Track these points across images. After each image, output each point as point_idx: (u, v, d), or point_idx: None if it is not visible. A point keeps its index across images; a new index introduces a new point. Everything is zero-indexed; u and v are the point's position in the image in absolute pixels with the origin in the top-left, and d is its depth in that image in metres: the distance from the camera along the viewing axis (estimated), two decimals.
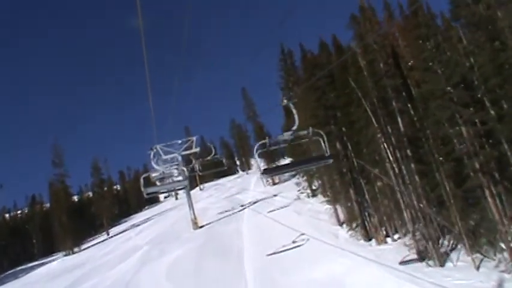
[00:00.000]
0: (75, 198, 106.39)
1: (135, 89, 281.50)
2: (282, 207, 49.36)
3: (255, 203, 58.74)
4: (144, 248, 50.27)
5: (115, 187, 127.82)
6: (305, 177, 54.91)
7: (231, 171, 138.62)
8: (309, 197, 52.81)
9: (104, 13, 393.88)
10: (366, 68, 30.32)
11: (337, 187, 38.78)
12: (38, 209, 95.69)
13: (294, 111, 15.89)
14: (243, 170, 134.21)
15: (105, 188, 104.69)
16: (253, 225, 45.23)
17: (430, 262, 27.26)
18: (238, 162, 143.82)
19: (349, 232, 36.43)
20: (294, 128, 15.04)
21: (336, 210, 40.30)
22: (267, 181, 75.25)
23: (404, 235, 31.46)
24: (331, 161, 14.71)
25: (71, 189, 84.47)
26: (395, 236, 32.85)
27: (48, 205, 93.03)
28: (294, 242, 35.64)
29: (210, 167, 55.85)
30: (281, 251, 34.09)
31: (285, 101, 15.87)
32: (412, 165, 28.32)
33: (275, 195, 59.98)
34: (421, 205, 27.64)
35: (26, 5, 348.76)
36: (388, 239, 32.98)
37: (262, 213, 48.54)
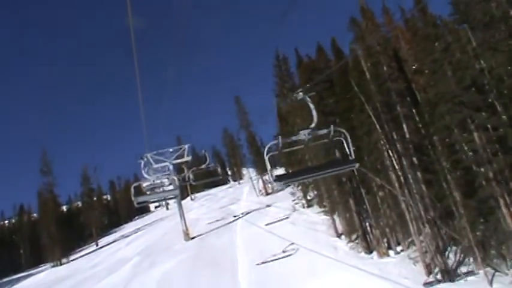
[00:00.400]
0: (64, 208, 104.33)
1: (127, 98, 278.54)
2: (281, 219, 46.63)
3: (248, 213, 56.80)
4: (134, 259, 48.28)
5: (105, 197, 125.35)
6: (300, 187, 53.04)
7: (223, 181, 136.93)
8: (304, 207, 50.93)
9: (96, 22, 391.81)
10: (369, 70, 28.59)
11: (335, 197, 36.97)
12: (26, 219, 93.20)
13: (312, 106, 13.60)
14: (235, 180, 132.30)
15: (95, 198, 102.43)
16: (247, 237, 43.30)
17: (438, 276, 25.52)
18: (229, 172, 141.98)
19: (349, 244, 34.57)
20: (313, 125, 13.06)
21: (333, 221, 38.51)
22: (260, 191, 73.45)
23: (408, 247, 29.64)
24: (357, 165, 12.53)
25: (60, 198, 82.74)
26: (398, 249, 31.03)
27: (36, 215, 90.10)
28: (284, 251, 34.73)
29: (203, 177, 54.01)
30: (271, 260, 33.32)
31: (301, 94, 13.64)
32: (418, 174, 26.58)
33: (268, 206, 58.08)
34: (429, 216, 25.87)
35: (10, 8, 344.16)
36: (391, 252, 31.10)
37: (256, 224, 46.70)
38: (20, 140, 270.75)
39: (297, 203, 52.07)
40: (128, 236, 77.95)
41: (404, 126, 27.05)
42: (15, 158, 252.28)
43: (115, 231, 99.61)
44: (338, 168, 12.81)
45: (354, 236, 34.51)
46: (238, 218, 54.68)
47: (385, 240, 31.79)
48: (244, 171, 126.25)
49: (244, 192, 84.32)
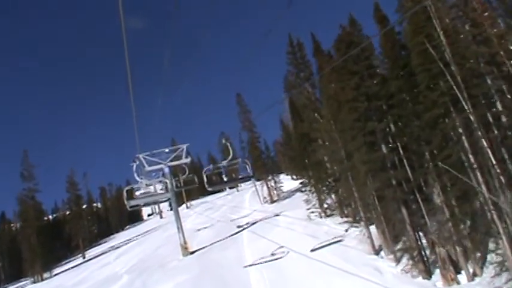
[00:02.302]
0: (50, 217, 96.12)
1: (119, 102, 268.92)
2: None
3: (253, 223, 48.71)
4: (123, 278, 40.28)
5: (95, 204, 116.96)
6: (315, 193, 44.96)
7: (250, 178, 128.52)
8: (322, 217, 42.88)
9: (86, 24, 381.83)
10: (444, 29, 20.47)
11: (374, 204, 28.96)
12: (6, 229, 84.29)
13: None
14: (232, 187, 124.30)
15: (84, 206, 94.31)
16: (257, 252, 35.27)
17: None
18: (225, 179, 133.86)
19: (398, 266, 26.49)
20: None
21: (370, 234, 30.47)
22: (264, 198, 65.40)
23: (498, 274, 21.42)
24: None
25: (46, 207, 74.21)
26: (474, 272, 22.95)
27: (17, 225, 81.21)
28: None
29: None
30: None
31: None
32: None
33: (277, 215, 50.04)
34: None
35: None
36: (461, 277, 23.02)
37: (266, 237, 38.70)
38: (5, 144, 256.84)
39: (312, 212, 43.91)
40: (118, 248, 69.86)
41: (498, 105, 19.00)
42: None
43: (105, 241, 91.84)
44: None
45: (402, 255, 26.50)
46: (243, 229, 46.67)
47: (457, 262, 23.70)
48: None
49: (245, 199, 76.42)
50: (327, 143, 39.87)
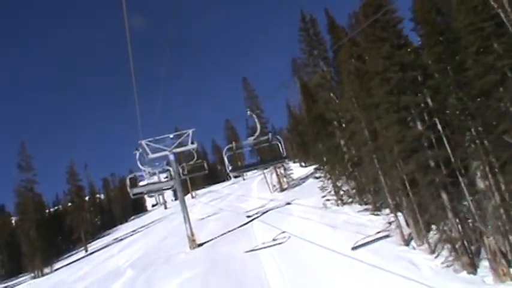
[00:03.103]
0: (52, 209, 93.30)
1: (122, 91, 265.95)
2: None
3: (264, 213, 45.69)
4: (126, 273, 37.47)
5: (98, 196, 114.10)
6: (330, 180, 41.71)
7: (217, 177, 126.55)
8: (339, 205, 39.73)
9: (83, 5, 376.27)
10: None
11: (403, 190, 25.73)
12: (6, 222, 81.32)
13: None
14: (236, 176, 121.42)
15: (87, 197, 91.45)
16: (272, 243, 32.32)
17: None
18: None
19: (435, 258, 23.33)
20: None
21: (399, 223, 27.29)
22: (274, 186, 62.25)
23: None
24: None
25: (46, 199, 71.22)
26: None
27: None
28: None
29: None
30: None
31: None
32: None
33: (289, 204, 46.95)
34: None
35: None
36: None
37: (279, 227, 35.64)
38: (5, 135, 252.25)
39: (328, 200, 40.74)
40: (121, 240, 67.10)
41: None
42: None
43: (108, 234, 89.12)
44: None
45: (435, 245, 23.40)
46: (253, 219, 43.66)
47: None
48: None
49: (253, 188, 73.40)
50: (343, 125, 36.75)
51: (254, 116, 28.66)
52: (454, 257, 21.32)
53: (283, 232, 31.03)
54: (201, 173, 45.57)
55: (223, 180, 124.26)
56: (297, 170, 71.02)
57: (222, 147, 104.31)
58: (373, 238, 27.83)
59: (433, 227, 25.57)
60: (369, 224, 31.82)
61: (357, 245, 26.43)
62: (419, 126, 21.77)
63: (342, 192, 40.09)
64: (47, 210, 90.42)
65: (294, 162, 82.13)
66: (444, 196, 21.21)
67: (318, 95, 39.27)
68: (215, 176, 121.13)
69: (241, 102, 66.38)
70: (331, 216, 36.38)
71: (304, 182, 61.40)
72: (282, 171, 61.32)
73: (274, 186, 62.24)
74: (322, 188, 42.26)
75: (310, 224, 35.06)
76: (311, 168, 69.75)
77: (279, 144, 24.51)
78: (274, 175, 62.60)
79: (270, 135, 25.97)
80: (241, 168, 34.87)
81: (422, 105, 22.04)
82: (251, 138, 27.12)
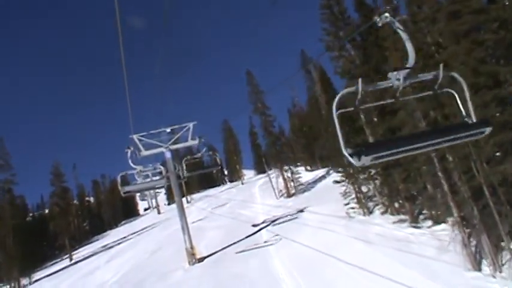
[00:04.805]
0: (35, 214, 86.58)
1: (114, 91, 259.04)
2: None
3: (273, 222, 39.42)
4: None
5: (87, 199, 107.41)
6: (354, 185, 35.40)
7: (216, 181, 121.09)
8: (365, 214, 33.49)
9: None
10: None
11: (481, 198, 19.40)
12: None
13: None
14: (232, 181, 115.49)
15: (75, 201, 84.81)
16: (290, 261, 25.98)
17: None
18: (226, 172, 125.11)
19: None
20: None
21: (468, 241, 20.91)
22: (280, 191, 55.94)
23: None
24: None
25: (29, 202, 64.22)
26: None
27: None
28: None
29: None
30: None
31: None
32: None
33: (301, 211, 40.73)
34: None
35: None
36: None
37: (296, 240, 29.42)
38: None
39: (352, 208, 34.49)
40: (110, 248, 60.41)
41: None
42: None
43: (97, 239, 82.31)
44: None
45: None
46: (260, 229, 37.47)
47: None
48: (245, 171, 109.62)
49: (255, 192, 66.99)
50: (375, 119, 30.47)
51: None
52: None
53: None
54: (213, 168, 40.43)
55: (219, 185, 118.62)
56: (303, 174, 64.90)
57: (218, 149, 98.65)
58: (423, 257, 21.65)
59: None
60: (412, 238, 25.58)
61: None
62: None
63: (363, 199, 33.95)
64: (31, 214, 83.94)
65: (297, 166, 75.86)
66: None
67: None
68: (210, 180, 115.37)
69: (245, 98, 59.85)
70: (360, 228, 30.14)
71: (313, 187, 55.24)
72: (289, 175, 54.97)
73: (281, 191, 55.89)
74: (345, 194, 35.96)
75: (334, 236, 28.83)
76: (319, 172, 63.77)
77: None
78: (280, 179, 56.24)
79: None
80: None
81: None
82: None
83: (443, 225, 25.92)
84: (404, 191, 29.12)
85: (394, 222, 29.54)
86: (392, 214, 31.18)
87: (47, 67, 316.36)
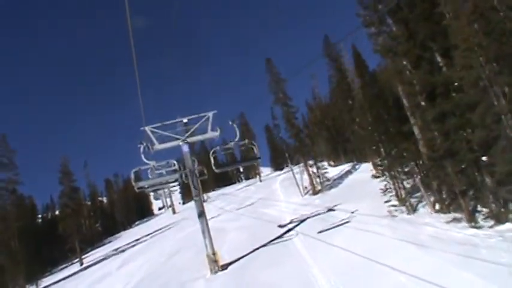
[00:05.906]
0: (44, 215, 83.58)
1: (129, 90, 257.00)
2: None
3: (302, 222, 35.52)
4: None
5: (100, 198, 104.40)
6: (394, 179, 31.36)
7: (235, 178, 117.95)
8: (409, 213, 29.38)
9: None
10: None
11: None
12: None
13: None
14: (248, 178, 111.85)
15: (88, 201, 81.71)
16: (335, 271, 21.77)
17: None
18: (241, 169, 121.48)
19: None
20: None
21: None
22: (305, 188, 51.95)
23: None
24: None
25: (37, 202, 60.92)
26: None
27: None
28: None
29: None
30: None
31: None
32: None
33: (331, 210, 36.78)
34: None
35: None
36: None
37: (334, 243, 25.36)
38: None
39: (393, 206, 30.45)
40: (123, 251, 56.90)
41: None
42: None
43: (110, 241, 79.12)
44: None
45: None
46: (289, 230, 33.58)
47: None
48: (262, 168, 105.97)
49: (276, 189, 63.16)
50: (422, 103, 26.30)
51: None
52: None
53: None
54: (252, 161, 36.62)
55: (235, 182, 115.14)
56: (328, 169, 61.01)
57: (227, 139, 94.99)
58: (500, 265, 17.53)
59: None
60: (477, 241, 21.41)
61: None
62: None
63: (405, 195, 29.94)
64: (40, 216, 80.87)
65: (319, 162, 71.72)
66: None
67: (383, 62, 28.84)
68: (226, 178, 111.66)
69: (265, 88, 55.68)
70: (408, 228, 26.08)
71: (340, 183, 51.22)
72: (315, 170, 50.94)
73: (306, 188, 51.92)
74: (386, 190, 31.92)
75: (379, 239, 24.75)
76: (344, 167, 59.79)
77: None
78: (305, 175, 52.24)
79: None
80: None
81: None
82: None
83: (507, 225, 21.99)
84: (458, 185, 25.00)
85: (447, 222, 25.45)
86: (443, 212, 27.10)
87: (58, 65, 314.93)
